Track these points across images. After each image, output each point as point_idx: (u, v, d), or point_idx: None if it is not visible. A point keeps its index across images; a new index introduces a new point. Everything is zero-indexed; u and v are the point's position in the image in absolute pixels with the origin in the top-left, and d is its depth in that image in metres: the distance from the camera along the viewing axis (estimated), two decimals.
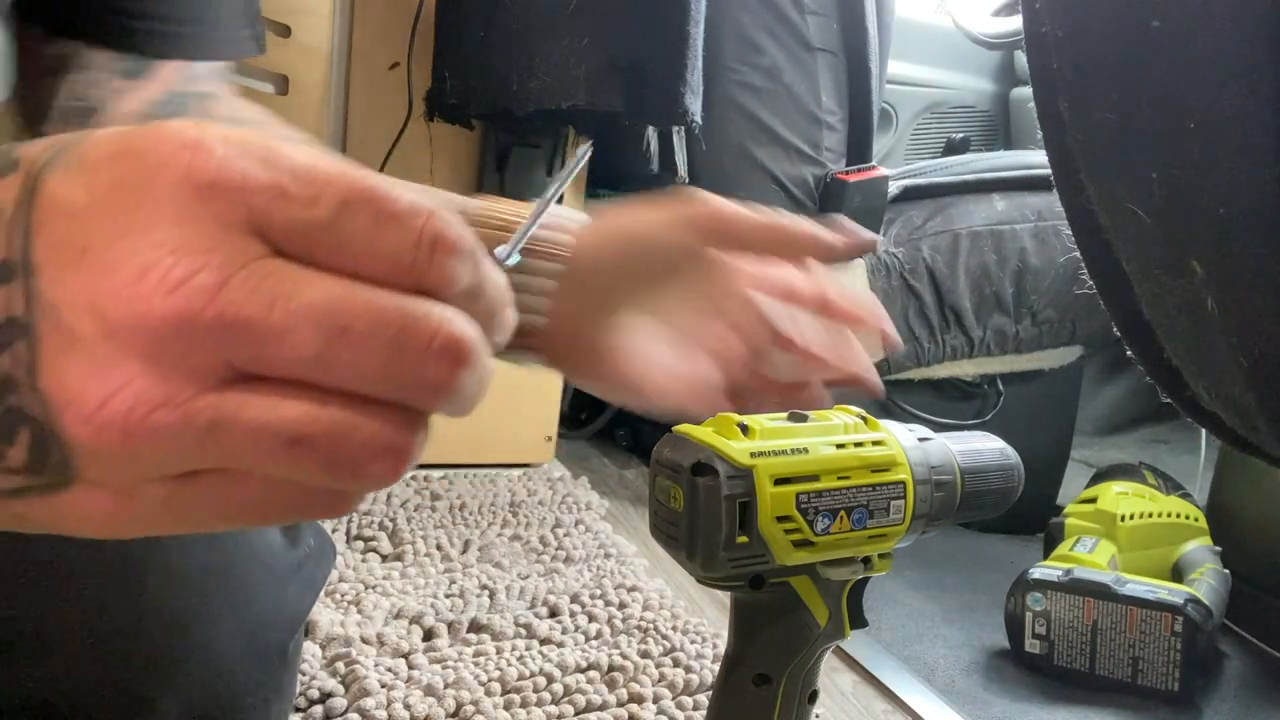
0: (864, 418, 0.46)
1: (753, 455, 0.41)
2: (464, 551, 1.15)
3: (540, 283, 0.46)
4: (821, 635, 0.46)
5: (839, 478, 0.42)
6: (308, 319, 0.20)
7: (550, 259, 0.46)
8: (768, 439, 0.42)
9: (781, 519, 0.41)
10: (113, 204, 0.20)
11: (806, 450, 0.42)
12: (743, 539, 0.41)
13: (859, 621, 0.48)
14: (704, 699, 0.89)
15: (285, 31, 1.24)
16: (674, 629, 1.00)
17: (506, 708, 0.84)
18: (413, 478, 1.34)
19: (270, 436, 0.21)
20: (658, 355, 0.47)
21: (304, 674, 0.84)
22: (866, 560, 0.46)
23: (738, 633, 0.46)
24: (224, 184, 0.20)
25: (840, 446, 0.43)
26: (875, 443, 0.44)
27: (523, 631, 0.97)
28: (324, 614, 0.93)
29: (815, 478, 0.42)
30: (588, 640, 0.97)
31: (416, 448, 0.22)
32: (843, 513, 0.42)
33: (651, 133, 1.31)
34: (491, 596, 1.03)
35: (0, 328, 0.21)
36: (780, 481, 0.41)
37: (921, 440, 0.48)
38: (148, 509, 0.22)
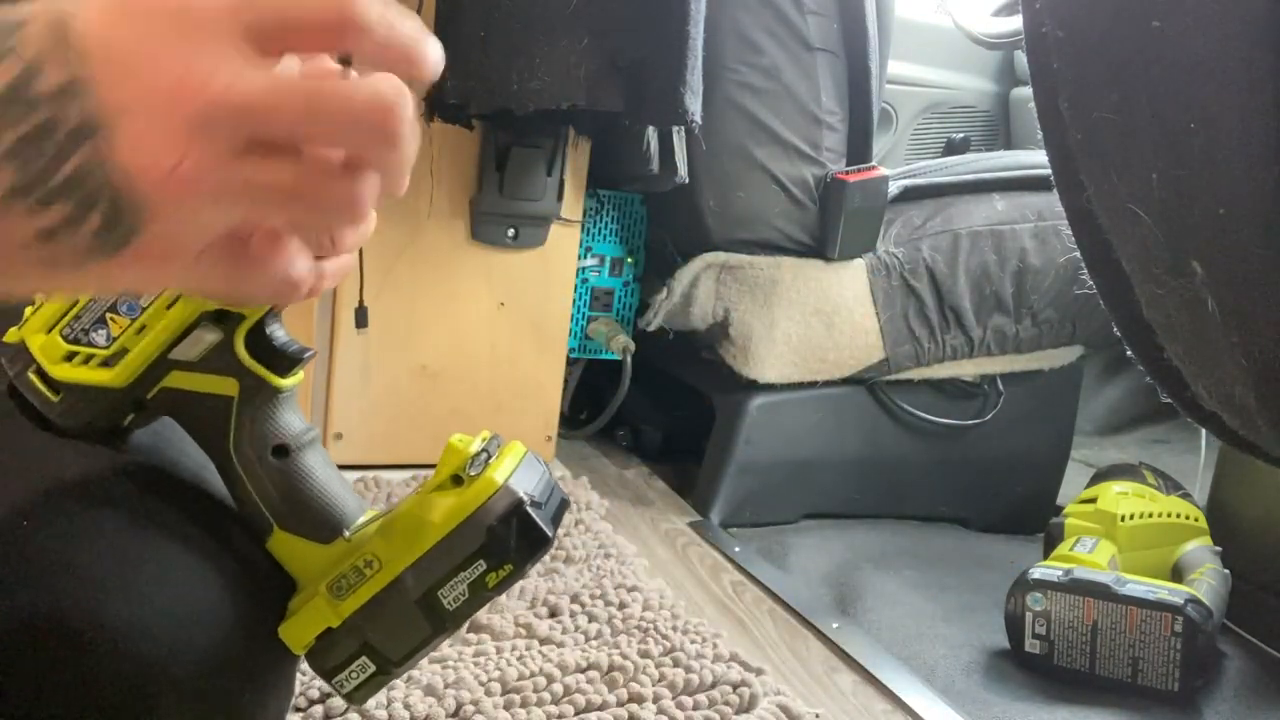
0: None
1: (20, 327, 0.42)
2: None
3: None
4: (243, 399, 0.43)
5: None
6: (290, 99, 0.30)
7: None
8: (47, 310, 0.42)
9: (68, 358, 0.41)
10: (144, 38, 0.29)
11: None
12: (53, 395, 0.41)
13: (282, 359, 0.44)
14: (704, 699, 0.89)
15: None
16: (674, 629, 1.00)
17: (506, 708, 0.84)
18: (413, 478, 1.34)
19: (278, 189, 0.30)
20: None
21: (304, 674, 0.84)
22: (221, 316, 0.42)
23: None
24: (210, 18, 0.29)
25: None
26: None
27: (523, 631, 0.97)
28: None
29: (75, 302, 0.41)
30: (588, 640, 0.97)
31: (370, 201, 0.32)
32: (109, 315, 0.41)
33: (651, 133, 1.31)
34: None
35: (77, 128, 0.28)
36: (50, 330, 0.41)
37: None
38: (180, 264, 0.31)
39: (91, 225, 0.29)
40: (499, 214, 1.37)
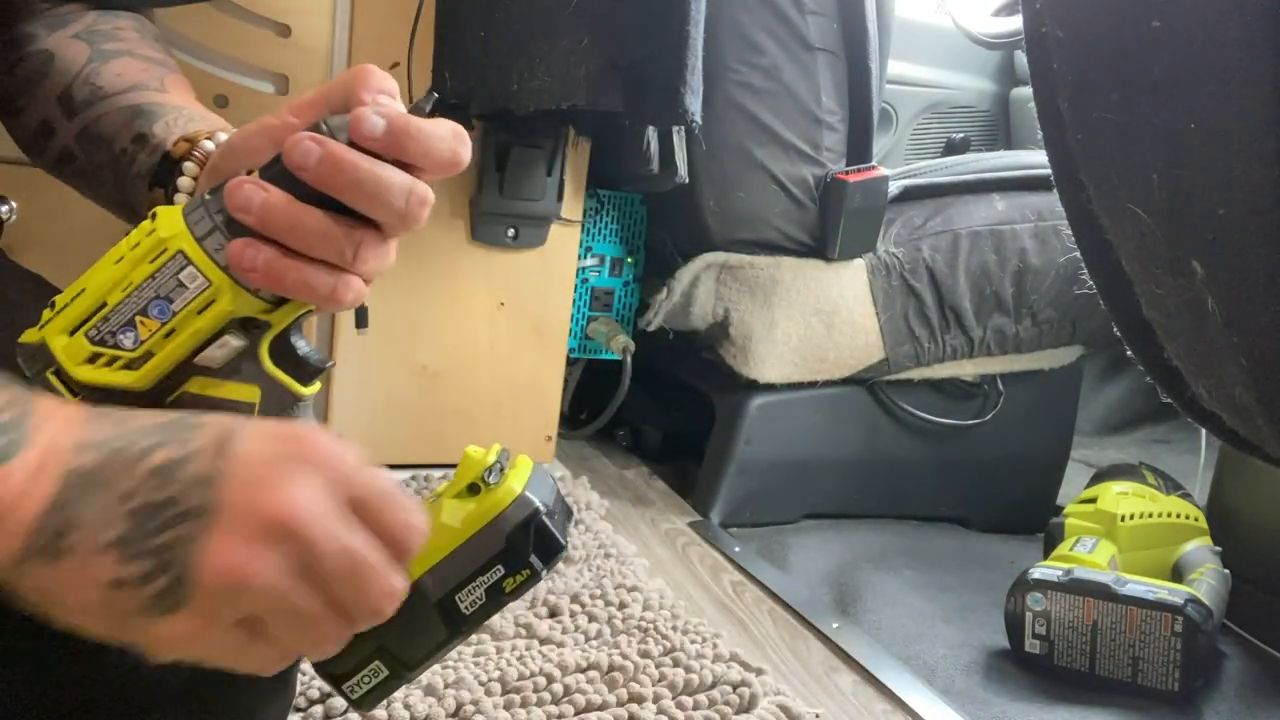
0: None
1: (40, 328, 0.42)
2: None
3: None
4: (264, 407, 0.45)
5: (122, 290, 0.41)
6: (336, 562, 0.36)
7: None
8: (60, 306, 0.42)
9: (91, 359, 0.41)
10: (272, 465, 0.36)
11: (84, 290, 0.42)
12: (71, 397, 0.41)
13: (305, 369, 0.45)
14: (704, 699, 0.89)
15: (285, 31, 1.24)
16: (674, 629, 1.00)
17: (506, 708, 0.84)
18: (413, 477, 1.34)
19: (303, 613, 0.35)
20: None
21: (304, 674, 0.84)
22: (249, 324, 0.43)
23: None
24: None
25: (120, 261, 0.42)
26: (149, 233, 0.42)
27: (523, 631, 0.97)
28: None
29: (102, 305, 0.42)
30: (588, 640, 0.97)
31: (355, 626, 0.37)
32: (139, 318, 0.41)
33: (651, 133, 1.31)
34: None
35: (190, 509, 0.34)
36: (73, 332, 0.42)
37: (206, 199, 0.43)
38: (207, 636, 0.35)
39: (155, 588, 0.34)
40: (499, 214, 1.37)
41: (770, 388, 1.42)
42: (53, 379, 0.42)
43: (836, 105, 1.38)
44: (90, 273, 0.43)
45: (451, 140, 0.42)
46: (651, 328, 1.49)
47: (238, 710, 0.45)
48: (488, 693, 0.85)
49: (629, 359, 1.48)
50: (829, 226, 1.37)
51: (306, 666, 0.86)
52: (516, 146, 1.33)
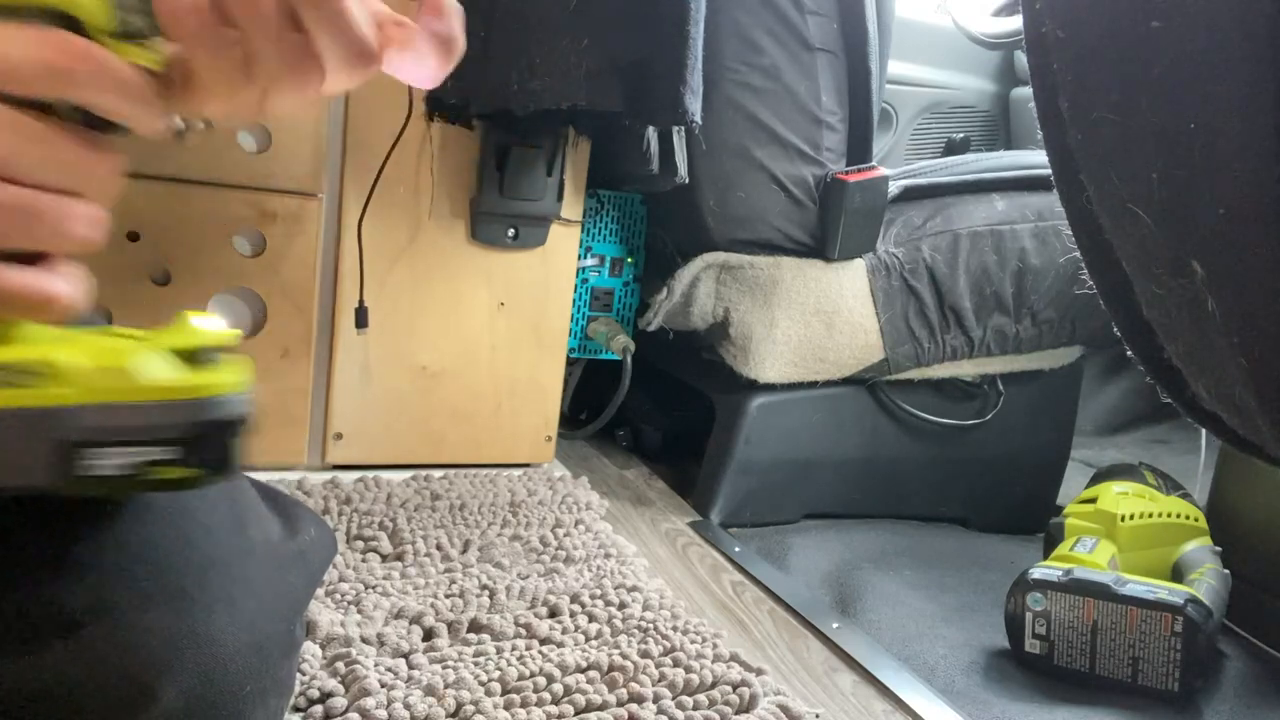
0: None
1: None
2: (464, 551, 1.15)
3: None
4: None
5: None
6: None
7: None
8: None
9: None
10: None
11: None
12: None
13: None
14: (704, 699, 0.89)
15: None
16: (674, 629, 1.00)
17: (506, 708, 0.84)
18: (413, 478, 1.34)
19: None
20: None
21: (304, 674, 0.84)
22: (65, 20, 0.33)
23: None
24: None
25: None
26: None
27: (523, 631, 0.97)
28: (324, 614, 0.93)
29: None
30: (588, 640, 0.97)
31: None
32: None
33: (651, 133, 1.31)
34: (491, 596, 1.03)
35: None
36: None
37: None
38: None
39: None
40: (499, 214, 1.37)
41: (770, 388, 1.42)
42: None
43: (836, 105, 1.38)
44: None
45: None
46: (651, 328, 1.49)
47: (235, 706, 0.44)
48: (488, 693, 0.85)
49: (629, 359, 1.48)
50: (829, 226, 1.37)
51: (306, 666, 0.86)
52: (516, 146, 1.33)
